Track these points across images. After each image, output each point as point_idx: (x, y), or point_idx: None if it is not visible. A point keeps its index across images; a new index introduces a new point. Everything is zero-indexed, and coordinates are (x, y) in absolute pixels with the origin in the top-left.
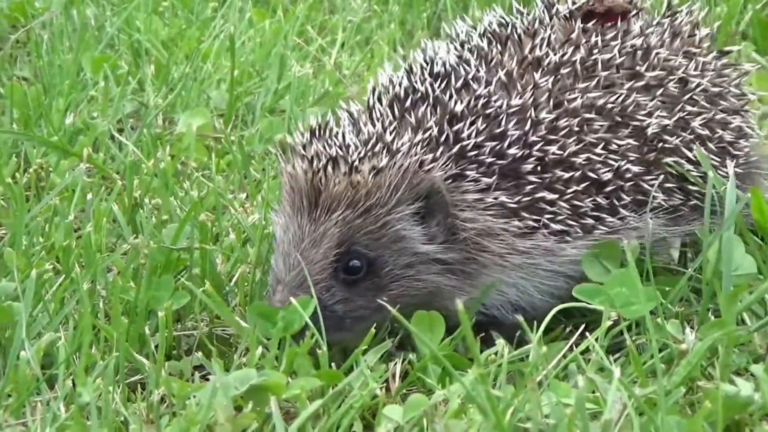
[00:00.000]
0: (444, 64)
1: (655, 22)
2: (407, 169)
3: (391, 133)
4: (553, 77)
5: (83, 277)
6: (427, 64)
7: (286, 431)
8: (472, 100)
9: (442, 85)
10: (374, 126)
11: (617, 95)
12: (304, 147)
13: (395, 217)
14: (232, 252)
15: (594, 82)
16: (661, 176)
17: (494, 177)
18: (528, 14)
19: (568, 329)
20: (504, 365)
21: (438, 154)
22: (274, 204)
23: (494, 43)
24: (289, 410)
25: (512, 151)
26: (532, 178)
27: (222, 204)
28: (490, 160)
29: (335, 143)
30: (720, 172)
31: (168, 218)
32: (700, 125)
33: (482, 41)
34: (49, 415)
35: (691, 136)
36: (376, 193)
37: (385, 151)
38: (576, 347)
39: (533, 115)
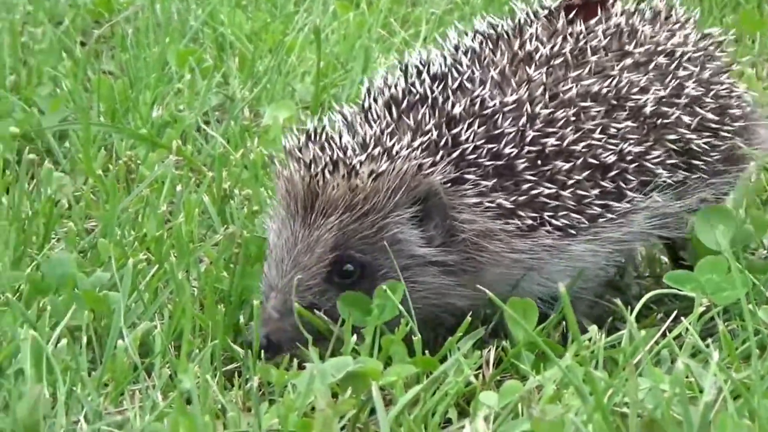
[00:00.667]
0: (440, 66)
1: (632, 8)
2: (406, 173)
3: (389, 136)
4: (545, 70)
5: (177, 267)
6: (423, 65)
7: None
8: (469, 101)
9: (439, 87)
10: (371, 128)
11: (610, 78)
12: (300, 150)
13: (392, 221)
14: None
15: (586, 70)
16: (664, 154)
17: (492, 179)
18: (512, 18)
19: (659, 316)
20: (598, 351)
21: (438, 158)
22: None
23: (485, 44)
24: (384, 397)
25: (508, 150)
26: (528, 175)
27: None
28: (487, 162)
29: (333, 146)
30: (723, 132)
31: (258, 209)
32: (693, 87)
33: (474, 42)
34: (147, 402)
35: (686, 101)
36: (374, 197)
37: (384, 155)
38: (669, 333)
39: (529, 109)
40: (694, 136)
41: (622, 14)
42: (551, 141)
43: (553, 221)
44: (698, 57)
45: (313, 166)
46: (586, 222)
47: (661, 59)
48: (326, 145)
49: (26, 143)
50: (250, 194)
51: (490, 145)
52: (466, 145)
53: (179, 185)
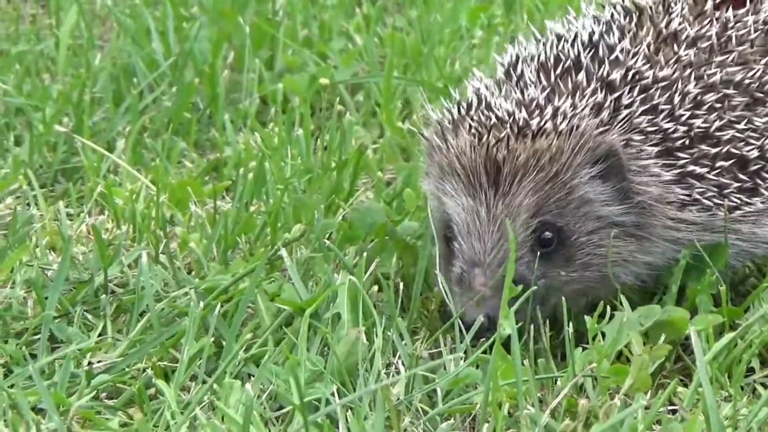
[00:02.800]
0: (590, 36)
1: None
2: (585, 132)
3: (548, 99)
4: (692, 50)
5: None
6: (568, 34)
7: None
8: (623, 70)
9: (590, 54)
10: (526, 92)
11: (754, 71)
12: (462, 120)
13: (580, 182)
14: None
15: (730, 58)
16: None
17: (654, 147)
18: None
19: None
20: None
21: (606, 118)
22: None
23: (628, 18)
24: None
25: (665, 124)
26: (681, 153)
27: None
28: (649, 129)
29: (498, 113)
30: None
31: None
32: None
33: (617, 15)
34: (461, 345)
35: None
36: (560, 158)
37: (559, 115)
38: None
39: (680, 87)
40: None
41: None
42: (698, 123)
43: (703, 200)
44: None
45: (492, 132)
46: (727, 211)
47: None
48: (486, 112)
49: (317, 97)
50: None
51: (649, 116)
52: (627, 111)
53: None
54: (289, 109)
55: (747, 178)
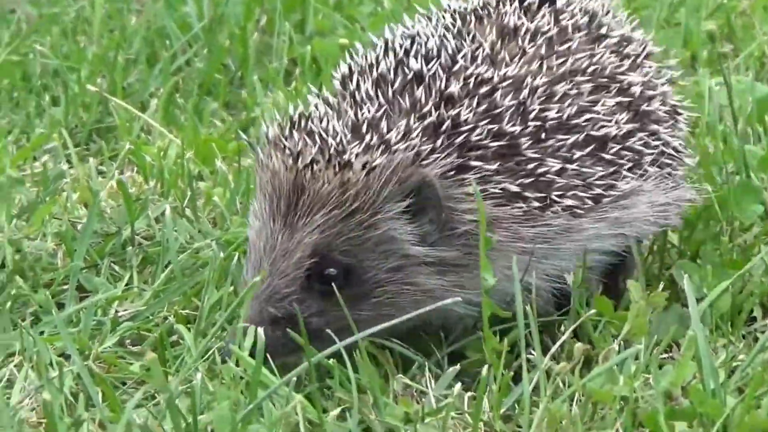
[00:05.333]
0: (427, 41)
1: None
2: (399, 164)
3: (384, 120)
4: (537, 43)
5: None
6: (410, 41)
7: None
8: (463, 78)
9: (431, 64)
10: (361, 111)
11: (594, 57)
12: (285, 138)
13: (384, 218)
14: None
15: (573, 45)
16: (650, 138)
17: (495, 161)
18: None
19: None
20: None
21: (438, 143)
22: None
23: (466, 20)
24: None
25: (510, 127)
26: (531, 153)
27: None
28: (490, 143)
29: (321, 133)
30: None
31: None
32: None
33: (452, 18)
34: None
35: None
36: (365, 193)
37: (381, 144)
38: None
39: (529, 82)
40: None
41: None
42: (551, 114)
43: (562, 201)
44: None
45: (301, 157)
46: (591, 202)
47: (630, 50)
48: (315, 131)
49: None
50: None
51: (491, 125)
52: (466, 127)
53: None
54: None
55: (608, 161)
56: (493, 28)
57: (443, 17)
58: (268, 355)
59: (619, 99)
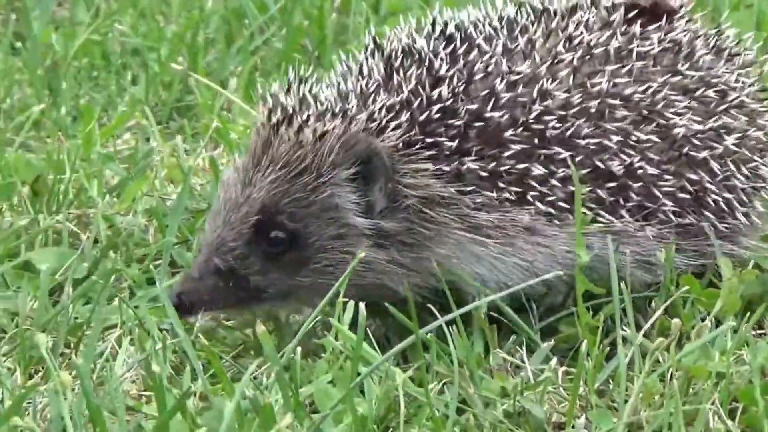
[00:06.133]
0: (459, 27)
1: (701, 32)
2: (346, 132)
3: (369, 94)
4: (579, 54)
5: None
6: (450, 25)
7: None
8: (468, 62)
9: (445, 47)
10: (357, 82)
11: (648, 87)
12: (272, 96)
13: (329, 183)
14: None
15: (625, 69)
16: (678, 185)
17: (468, 141)
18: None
19: None
20: None
21: (402, 118)
22: None
23: (528, 16)
24: None
25: (495, 114)
26: (517, 147)
27: None
28: (465, 122)
29: (305, 98)
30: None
31: None
32: (734, 143)
33: (518, 12)
34: None
35: (721, 150)
36: (314, 156)
37: (341, 112)
38: None
39: (545, 85)
40: (713, 188)
41: (684, 33)
42: (553, 124)
43: (538, 203)
44: (750, 109)
45: (273, 116)
46: (572, 218)
47: (711, 94)
48: (303, 96)
49: None
50: None
51: (474, 106)
52: (437, 105)
53: None
54: None
55: (608, 194)
56: (542, 29)
57: (517, 11)
58: (198, 306)
59: (654, 137)
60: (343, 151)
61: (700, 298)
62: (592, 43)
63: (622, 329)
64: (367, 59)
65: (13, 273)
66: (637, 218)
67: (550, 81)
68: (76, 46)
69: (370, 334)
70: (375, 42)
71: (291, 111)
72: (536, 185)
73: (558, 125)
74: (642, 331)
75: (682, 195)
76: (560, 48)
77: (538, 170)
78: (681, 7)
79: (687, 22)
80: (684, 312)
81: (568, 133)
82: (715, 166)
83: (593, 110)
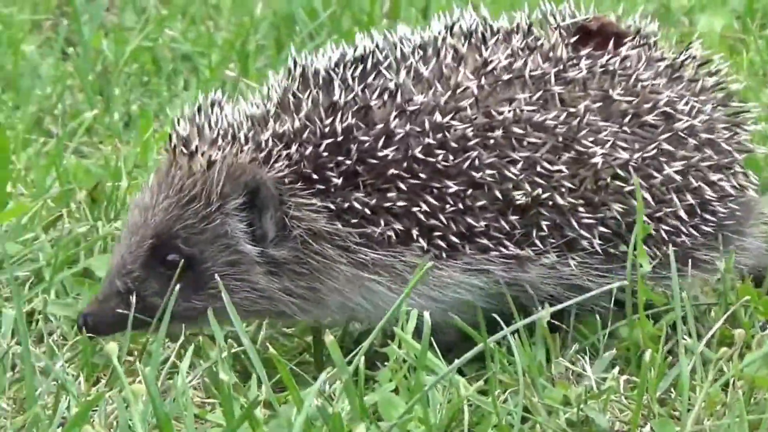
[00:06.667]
0: (368, 49)
1: (646, 53)
2: (235, 162)
3: (259, 120)
4: (487, 81)
5: None
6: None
7: None
8: (367, 88)
9: (353, 71)
10: (260, 107)
11: (568, 114)
12: (180, 121)
13: (220, 212)
14: None
15: (540, 96)
16: (600, 216)
17: (357, 178)
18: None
19: None
20: None
21: (293, 149)
22: None
23: (456, 38)
24: None
25: (390, 152)
26: (404, 185)
27: None
28: (355, 159)
29: (209, 123)
30: (691, 230)
31: None
32: (678, 170)
33: (445, 33)
34: None
35: (660, 178)
36: (205, 184)
37: (232, 140)
38: None
39: (441, 116)
40: (647, 219)
41: (626, 58)
42: (444, 154)
43: (422, 241)
44: (701, 137)
45: (171, 142)
46: (470, 250)
47: (651, 119)
48: (211, 119)
49: None
50: None
51: (367, 141)
52: (330, 139)
53: None
54: None
55: (519, 224)
56: (456, 58)
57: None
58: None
59: (565, 167)
60: (230, 181)
61: (758, 307)
62: (507, 69)
63: (683, 338)
64: (276, 83)
65: (72, 280)
66: (559, 247)
67: (449, 112)
68: (127, 52)
69: (434, 343)
70: (294, 63)
71: (187, 138)
72: (424, 221)
73: (452, 158)
74: (704, 340)
75: (603, 228)
76: (468, 74)
77: (425, 206)
78: (631, 30)
79: (642, 46)
80: (744, 320)
81: (465, 165)
82: (651, 195)
83: (496, 140)
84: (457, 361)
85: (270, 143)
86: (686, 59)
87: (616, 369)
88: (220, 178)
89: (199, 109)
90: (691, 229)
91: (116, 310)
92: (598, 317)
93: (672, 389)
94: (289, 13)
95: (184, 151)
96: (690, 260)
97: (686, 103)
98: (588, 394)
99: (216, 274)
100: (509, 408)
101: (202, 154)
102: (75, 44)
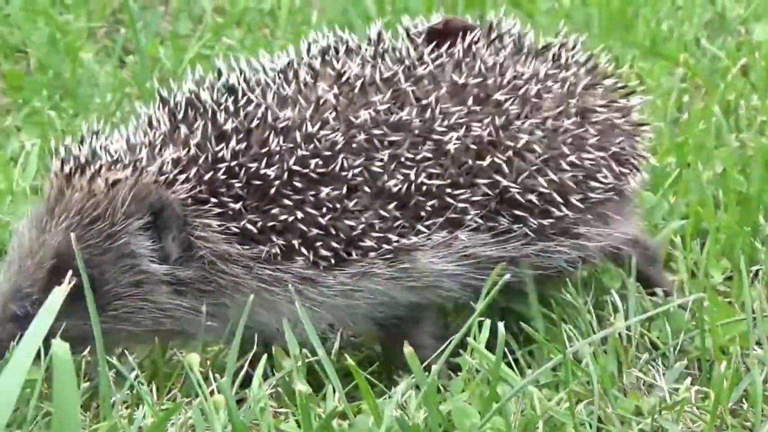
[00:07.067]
0: (239, 75)
1: (493, 41)
2: (138, 182)
3: (150, 146)
4: (342, 91)
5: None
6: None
7: None
8: (247, 115)
9: (228, 99)
10: (146, 135)
11: (419, 108)
12: (66, 148)
13: (121, 230)
14: None
15: (391, 96)
16: (471, 193)
17: (245, 200)
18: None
19: None
20: None
21: (191, 173)
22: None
23: (311, 57)
24: None
25: (269, 171)
26: (284, 199)
27: None
28: (242, 182)
29: (101, 147)
30: (571, 200)
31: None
32: (540, 138)
33: (308, 56)
34: None
35: (519, 146)
36: (108, 204)
37: (132, 164)
38: None
39: (308, 128)
40: (517, 189)
41: (468, 46)
42: (316, 162)
43: (305, 250)
44: (575, 102)
45: (65, 165)
46: (356, 255)
47: (500, 95)
48: (96, 148)
49: None
50: (758, 106)
51: (252, 164)
52: (222, 165)
53: (686, 96)
54: None
55: (398, 214)
56: (313, 74)
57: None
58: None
59: (427, 154)
60: (135, 201)
61: None
62: (358, 77)
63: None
64: (155, 111)
65: None
66: (447, 228)
67: (315, 123)
68: (186, 60)
69: (508, 354)
70: (160, 95)
71: (83, 161)
72: (306, 232)
73: (323, 164)
74: None
75: (480, 199)
76: (325, 87)
77: (303, 215)
78: (479, 23)
79: (492, 41)
80: None
81: (337, 168)
82: (516, 165)
83: (359, 143)
84: (533, 374)
85: (169, 167)
86: (548, 46)
87: (689, 380)
88: (124, 199)
89: (82, 137)
90: (571, 200)
91: (14, 334)
92: (668, 328)
93: (743, 400)
94: (343, 20)
95: (83, 174)
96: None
97: (544, 82)
98: (662, 405)
99: (119, 296)
100: (583, 418)
101: (102, 177)
102: (132, 52)
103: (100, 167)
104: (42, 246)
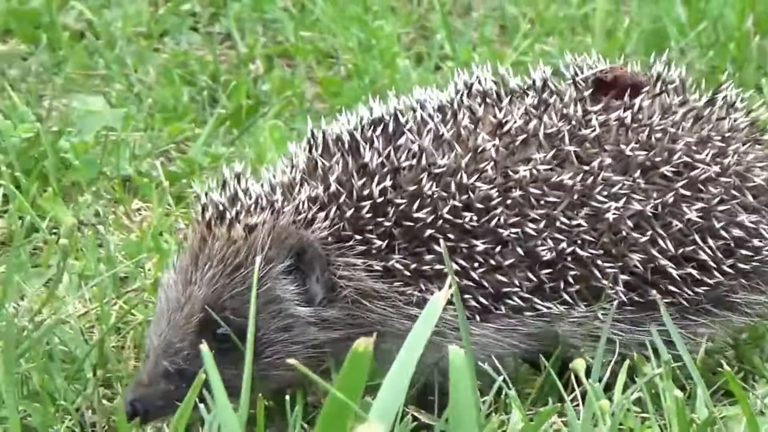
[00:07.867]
0: (392, 112)
1: (668, 102)
2: (277, 225)
3: (294, 186)
4: (502, 142)
5: None
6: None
7: None
8: (396, 153)
9: (377, 132)
10: (285, 174)
11: (581, 171)
12: (206, 195)
13: (266, 277)
14: None
15: (554, 155)
16: (620, 267)
17: (394, 240)
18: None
19: None
20: None
21: (331, 211)
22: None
23: (472, 98)
24: None
25: (421, 214)
26: (435, 245)
27: None
28: (390, 222)
29: (239, 191)
30: (723, 269)
31: None
32: (698, 215)
33: (462, 96)
34: None
35: (680, 225)
36: (248, 250)
37: (269, 205)
38: None
39: (464, 178)
40: (670, 264)
41: (639, 110)
42: (472, 216)
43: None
44: (729, 179)
45: (206, 213)
46: (503, 310)
47: (667, 170)
48: (236, 191)
49: None
50: None
51: (401, 202)
52: (365, 202)
53: None
54: None
55: (546, 279)
56: (473, 119)
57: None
58: (153, 412)
59: (583, 221)
60: (275, 244)
61: None
62: (523, 129)
63: None
64: (296, 152)
65: None
66: (586, 299)
67: (471, 173)
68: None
69: None
70: (312, 134)
71: (222, 208)
72: (457, 280)
73: (477, 218)
74: None
75: (625, 276)
76: (485, 136)
77: (456, 267)
78: (649, 79)
79: (660, 94)
80: None
81: (491, 224)
82: (670, 242)
83: (515, 199)
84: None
85: (306, 206)
86: (712, 101)
87: None
88: (264, 242)
89: (224, 182)
90: (725, 268)
91: (166, 391)
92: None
93: None
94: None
95: (222, 221)
96: (726, 302)
97: (708, 148)
98: None
99: (270, 342)
100: None
101: (239, 222)
102: (447, 58)
103: (238, 213)
104: (189, 298)
